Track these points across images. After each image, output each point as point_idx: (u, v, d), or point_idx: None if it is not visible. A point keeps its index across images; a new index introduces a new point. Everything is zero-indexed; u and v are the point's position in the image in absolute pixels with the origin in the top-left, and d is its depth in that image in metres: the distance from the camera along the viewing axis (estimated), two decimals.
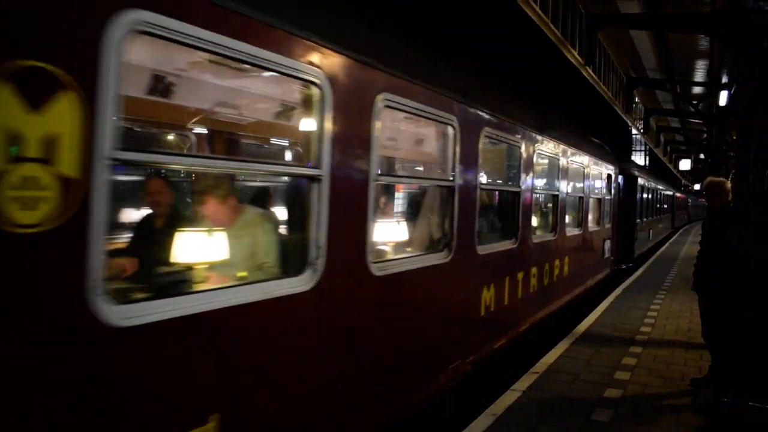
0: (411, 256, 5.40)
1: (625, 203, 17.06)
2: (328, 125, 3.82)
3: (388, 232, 5.90)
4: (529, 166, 7.93)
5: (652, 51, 23.13)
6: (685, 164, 56.10)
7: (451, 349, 5.81)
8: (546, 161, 9.18)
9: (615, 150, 16.15)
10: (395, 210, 7.43)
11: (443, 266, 5.53)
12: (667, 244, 28.98)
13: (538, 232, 8.81)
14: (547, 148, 8.70)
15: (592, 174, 12.04)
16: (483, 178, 6.46)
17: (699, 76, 26.76)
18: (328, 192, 3.84)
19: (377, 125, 4.37)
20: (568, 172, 10.04)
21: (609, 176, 13.92)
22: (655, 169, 45.23)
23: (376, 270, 4.42)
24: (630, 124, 29.77)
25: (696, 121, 36.44)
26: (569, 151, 9.98)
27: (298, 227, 3.92)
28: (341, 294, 4.06)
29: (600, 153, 13.13)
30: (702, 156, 49.97)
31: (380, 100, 4.40)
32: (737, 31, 4.15)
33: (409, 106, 4.89)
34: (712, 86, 25.19)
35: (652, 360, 7.72)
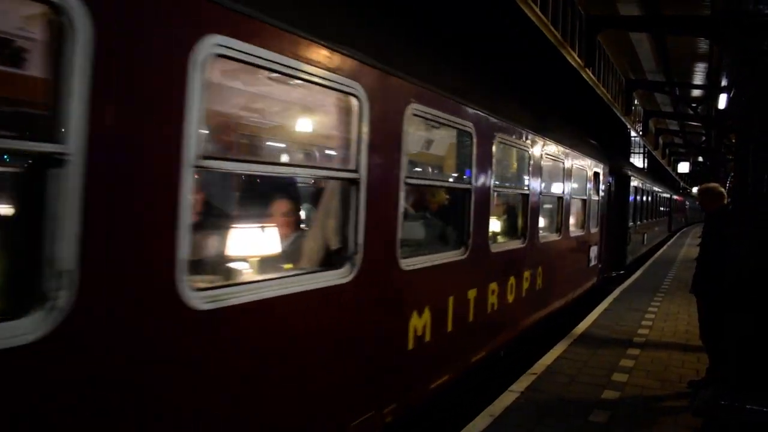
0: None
1: (616, 205, 15.74)
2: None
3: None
4: (486, 158, 6.33)
5: (652, 53, 23.14)
6: (683, 167, 56.12)
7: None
8: (512, 153, 7.85)
9: (606, 147, 14.85)
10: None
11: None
12: (664, 248, 28.31)
13: (501, 239, 7.58)
14: (511, 137, 7.14)
15: (575, 171, 10.61)
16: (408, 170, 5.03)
17: (698, 78, 26.76)
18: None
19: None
20: (543, 168, 8.47)
21: (597, 175, 12.50)
22: (651, 170, 45.20)
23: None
24: (629, 126, 29.79)
25: (695, 123, 36.45)
26: (545, 143, 8.54)
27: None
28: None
29: (587, 149, 11.81)
30: (701, 159, 50.01)
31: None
32: (737, 33, 4.14)
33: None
34: (712, 89, 25.18)
35: (649, 362, 7.72)
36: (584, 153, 11.34)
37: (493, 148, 6.54)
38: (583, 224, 11.40)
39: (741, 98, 4.24)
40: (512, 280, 7.34)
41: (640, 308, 11.52)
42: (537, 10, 13.13)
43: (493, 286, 6.73)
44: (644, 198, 22.15)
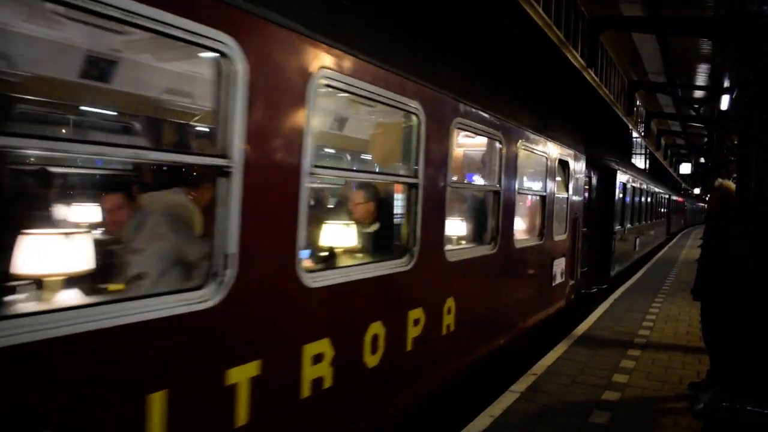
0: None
1: (599, 205, 13.20)
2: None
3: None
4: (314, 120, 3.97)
5: (654, 54, 23.12)
6: (685, 168, 56.08)
7: None
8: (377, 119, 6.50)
9: (587, 133, 11.82)
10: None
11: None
12: (660, 253, 25.83)
13: (366, 258, 5.16)
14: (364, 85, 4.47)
15: (526, 157, 7.88)
16: None
17: (700, 80, 26.75)
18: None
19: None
20: (452, 146, 5.76)
21: (565, 165, 9.90)
22: (650, 169, 44.99)
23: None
24: (631, 126, 29.76)
25: (697, 125, 36.43)
26: (462, 107, 5.89)
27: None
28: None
29: (551, 128, 9.16)
30: (702, 160, 49.97)
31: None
32: (738, 33, 4.13)
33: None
34: (714, 90, 25.15)
35: (650, 363, 7.70)
36: (544, 132, 8.67)
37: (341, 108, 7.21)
38: (539, 230, 8.74)
39: (743, 99, 4.22)
40: (378, 329, 4.61)
41: (641, 309, 11.49)
42: (540, 10, 13.12)
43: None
44: (637, 197, 19.33)
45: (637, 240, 19.83)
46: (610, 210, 14.28)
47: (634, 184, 18.28)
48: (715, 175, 24.89)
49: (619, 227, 15.52)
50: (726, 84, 20.86)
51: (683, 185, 68.55)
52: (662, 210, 30.21)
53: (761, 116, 4.06)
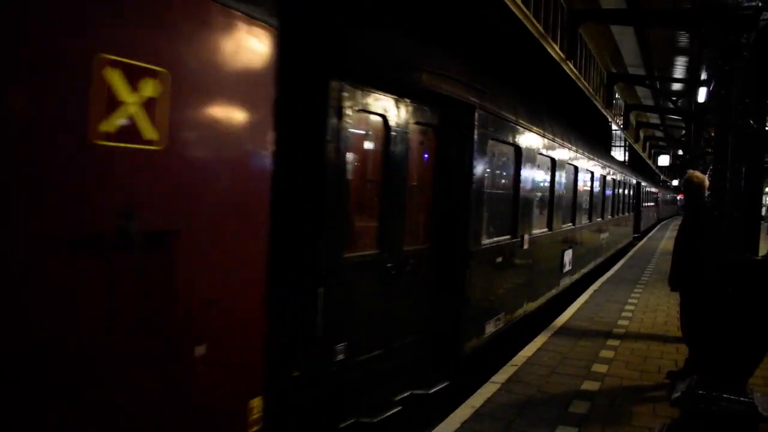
0: None
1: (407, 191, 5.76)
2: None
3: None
4: None
5: (633, 47, 23.27)
6: (664, 160, 56.64)
7: None
8: None
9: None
10: None
11: None
12: (627, 257, 19.50)
13: None
14: None
15: None
16: None
17: (679, 72, 26.98)
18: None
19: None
20: None
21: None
22: (625, 159, 44.82)
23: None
24: (610, 119, 29.96)
25: (675, 117, 36.81)
26: None
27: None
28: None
29: None
30: (680, 152, 50.52)
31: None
32: (716, 26, 4.17)
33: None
34: (692, 83, 25.41)
35: (629, 353, 7.79)
36: None
37: None
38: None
39: (719, 91, 4.26)
40: None
41: (620, 300, 11.61)
42: (519, 2, 13.11)
43: None
44: (572, 179, 12.17)
45: (572, 251, 12.19)
46: (466, 209, 6.54)
47: (563, 158, 10.95)
48: (692, 167, 25.06)
49: (510, 238, 8.20)
50: (703, 77, 21.09)
51: (662, 177, 69.25)
52: (629, 202, 24.24)
53: (737, 108, 4.10)
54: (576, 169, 12.55)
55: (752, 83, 4.13)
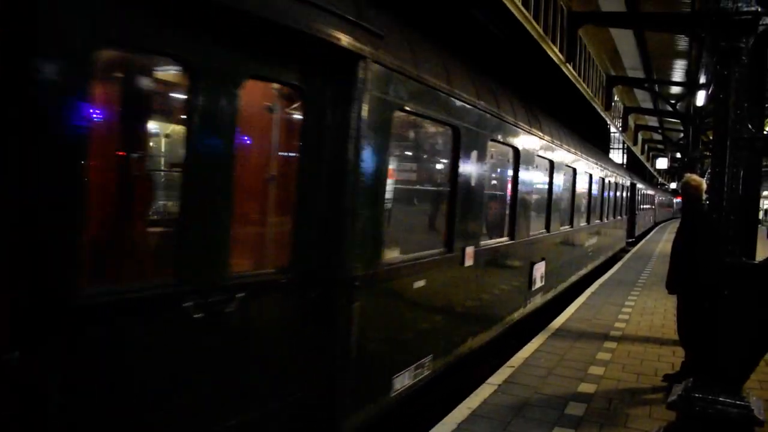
0: None
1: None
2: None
3: None
4: None
5: (632, 50, 23.30)
6: (662, 163, 56.81)
7: None
8: None
9: None
10: None
11: None
12: (619, 264, 18.15)
13: None
14: None
15: None
16: None
17: (677, 75, 27.02)
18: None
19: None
20: None
21: None
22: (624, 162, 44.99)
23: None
24: (609, 121, 29.99)
25: (673, 120, 36.85)
26: None
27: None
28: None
29: None
30: (678, 155, 50.61)
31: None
32: (714, 29, 4.18)
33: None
34: (690, 86, 25.44)
35: (626, 355, 7.80)
36: None
37: None
38: None
39: (718, 95, 4.27)
40: None
41: (617, 302, 11.62)
42: (518, 4, 13.13)
43: None
44: (553, 178, 10.54)
45: (538, 267, 9.74)
46: (335, 201, 4.26)
47: (505, 141, 7.75)
48: (690, 170, 25.07)
49: (396, 257, 5.29)
50: (702, 80, 21.12)
51: (660, 180, 69.33)
52: (623, 206, 22.53)
53: (735, 113, 4.12)
54: (552, 164, 10.39)
55: (751, 88, 4.15)
